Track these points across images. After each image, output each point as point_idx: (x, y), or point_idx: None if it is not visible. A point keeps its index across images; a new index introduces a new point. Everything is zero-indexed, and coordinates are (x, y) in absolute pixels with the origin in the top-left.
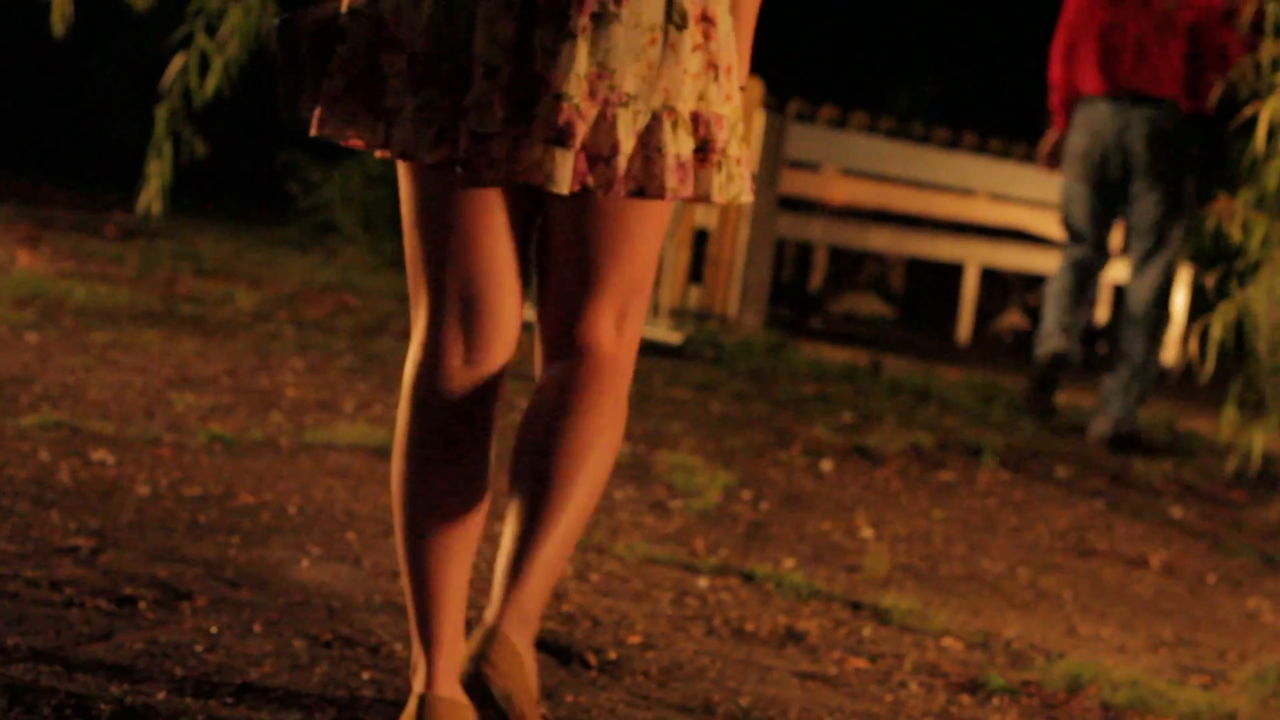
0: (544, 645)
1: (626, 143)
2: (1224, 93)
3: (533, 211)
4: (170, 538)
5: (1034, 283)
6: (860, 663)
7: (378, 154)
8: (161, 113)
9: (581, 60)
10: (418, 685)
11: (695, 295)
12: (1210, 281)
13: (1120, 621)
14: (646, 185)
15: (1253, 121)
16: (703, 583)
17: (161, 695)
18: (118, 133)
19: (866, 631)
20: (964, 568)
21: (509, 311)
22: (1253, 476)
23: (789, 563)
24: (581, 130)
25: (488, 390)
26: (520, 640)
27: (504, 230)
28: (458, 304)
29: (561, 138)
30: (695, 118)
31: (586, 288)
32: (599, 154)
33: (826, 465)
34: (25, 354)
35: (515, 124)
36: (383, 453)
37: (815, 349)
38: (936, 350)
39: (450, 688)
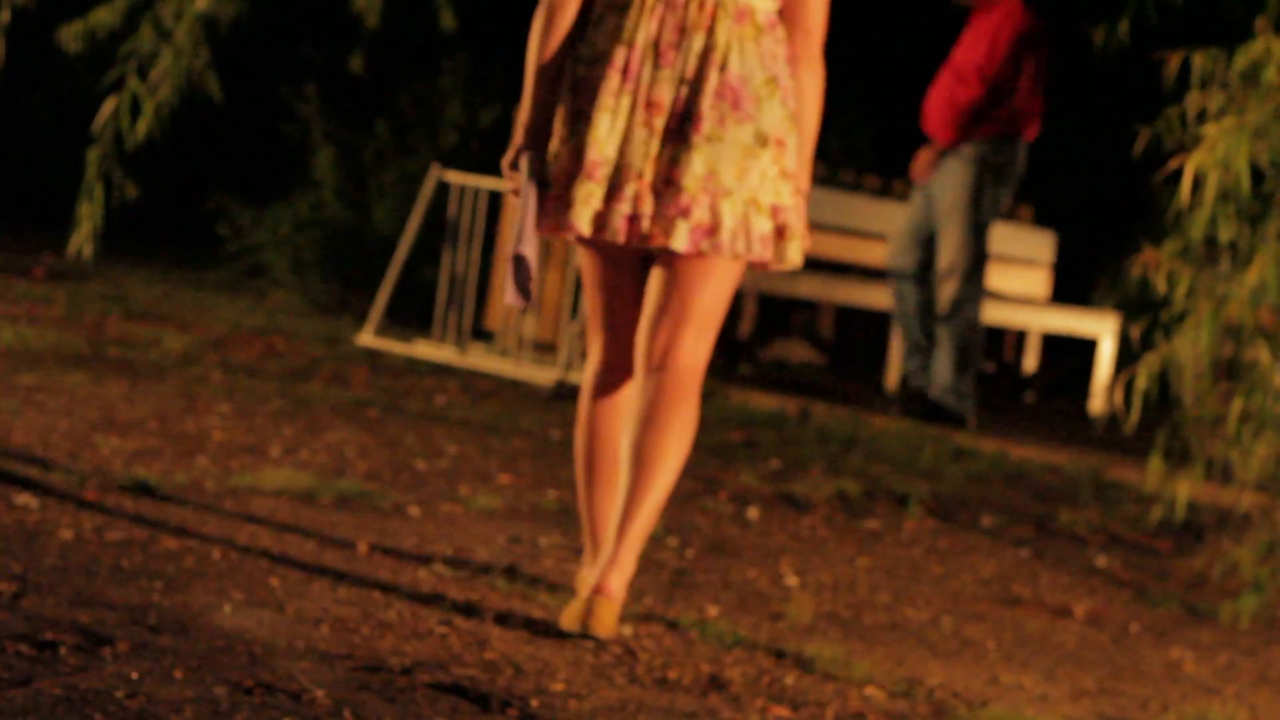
0: (465, 692)
1: (728, 221)
2: (1148, 144)
3: (645, 270)
4: (93, 583)
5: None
6: (783, 711)
7: (558, 235)
8: (93, 155)
9: (698, 165)
10: (588, 570)
11: None
12: (1136, 332)
13: (1043, 671)
14: (741, 251)
15: (1178, 173)
16: (626, 630)
17: None
18: (48, 174)
19: (790, 680)
20: (888, 616)
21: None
22: (1178, 526)
23: (713, 610)
24: (697, 212)
25: (625, 392)
26: (617, 588)
27: (634, 280)
28: (604, 325)
29: (683, 214)
30: (773, 209)
31: (680, 317)
32: (709, 228)
33: (753, 513)
34: None
35: (655, 208)
36: (308, 498)
37: (744, 396)
38: (866, 398)
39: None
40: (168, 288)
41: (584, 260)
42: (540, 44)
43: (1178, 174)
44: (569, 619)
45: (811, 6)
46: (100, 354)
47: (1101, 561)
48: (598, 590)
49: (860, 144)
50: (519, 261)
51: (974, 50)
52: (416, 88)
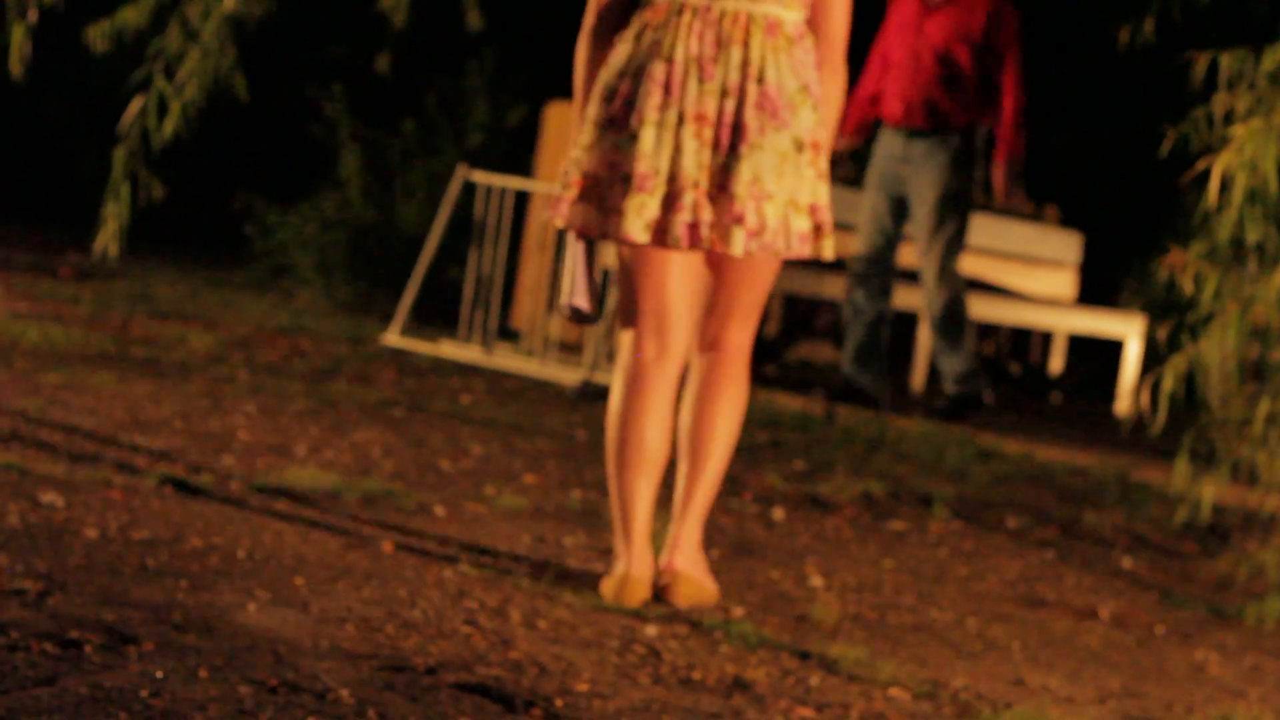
0: (489, 692)
1: (771, 222)
2: (1175, 145)
3: (702, 266)
4: (118, 581)
5: (988, 331)
6: (807, 712)
7: (605, 239)
8: (119, 155)
9: (744, 174)
10: (619, 568)
11: None
12: (1162, 334)
13: (1068, 673)
14: (782, 250)
15: (1205, 175)
16: (651, 631)
17: None
18: (75, 174)
19: (814, 681)
20: (913, 617)
21: (686, 330)
22: (1203, 528)
23: (738, 611)
24: (749, 218)
25: (668, 377)
26: (689, 565)
27: (691, 282)
28: (653, 324)
29: (738, 221)
30: (811, 208)
31: (728, 308)
32: (756, 230)
33: (778, 513)
34: None
35: (716, 215)
36: (333, 497)
37: (769, 396)
38: (889, 399)
39: (639, 570)
40: (193, 287)
41: (632, 264)
42: (585, 66)
43: (1205, 175)
44: (618, 594)
45: (835, 17)
46: (126, 353)
47: (1127, 563)
48: (667, 570)
49: None
50: (576, 312)
51: (957, 38)
52: (443, 87)
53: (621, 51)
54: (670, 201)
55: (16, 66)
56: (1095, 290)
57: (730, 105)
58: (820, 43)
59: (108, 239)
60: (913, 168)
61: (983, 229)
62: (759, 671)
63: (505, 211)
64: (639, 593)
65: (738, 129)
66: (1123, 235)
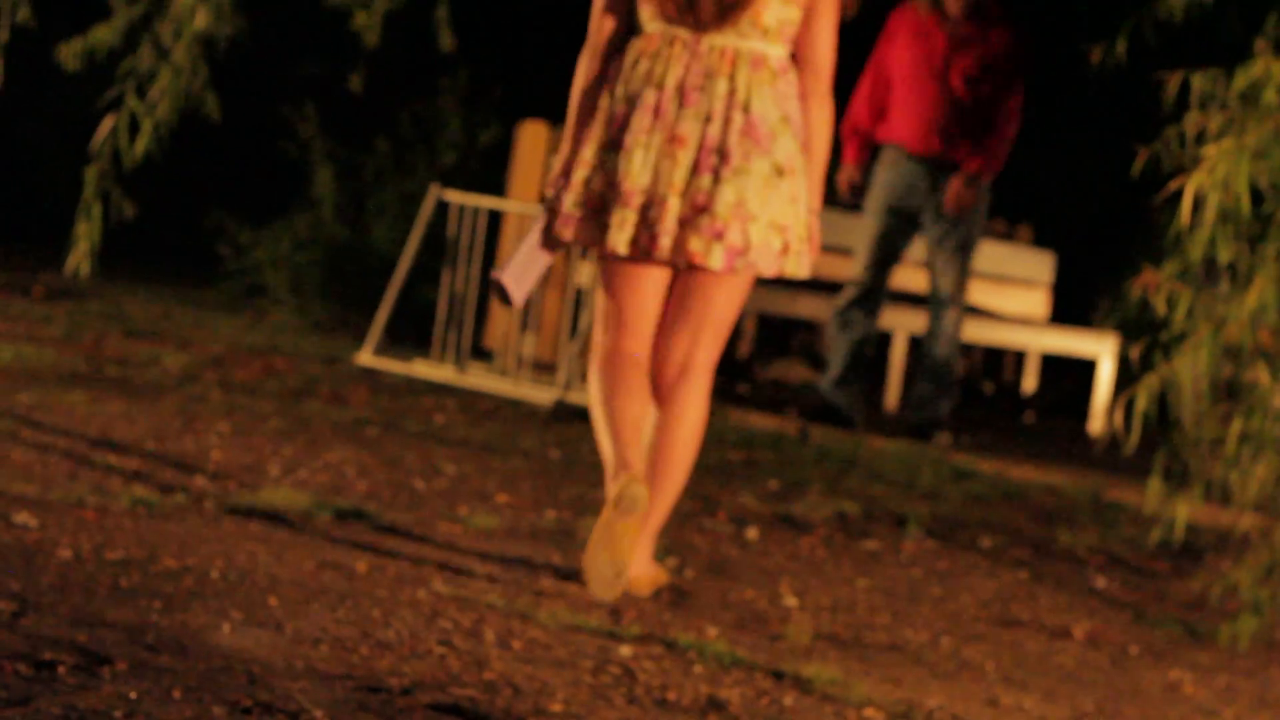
0: (464, 713)
1: (756, 241)
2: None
3: (669, 279)
4: (91, 602)
5: (963, 350)
6: None
7: (594, 250)
8: (91, 174)
9: (728, 196)
10: (614, 484)
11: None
12: (1135, 353)
13: (1043, 692)
14: (765, 268)
15: (1178, 194)
16: (625, 651)
17: None
18: (46, 193)
19: (788, 701)
20: (887, 637)
21: (648, 329)
22: (1176, 548)
23: (712, 631)
24: (730, 235)
25: (642, 360)
26: (644, 568)
27: (658, 291)
28: (631, 329)
29: (718, 237)
30: (781, 228)
31: (700, 326)
32: (740, 249)
33: (751, 533)
34: None
35: (689, 230)
36: (307, 517)
37: (743, 415)
38: (864, 419)
39: (638, 474)
40: (166, 306)
41: (607, 273)
42: (582, 88)
43: (1177, 195)
44: (598, 552)
45: (820, 49)
46: (99, 373)
47: (1100, 583)
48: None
49: None
50: (500, 288)
51: (982, 65)
52: (416, 107)
53: (619, 78)
54: (643, 214)
55: None
56: (1068, 310)
57: (714, 131)
58: (807, 74)
59: (79, 259)
60: (935, 195)
61: None
62: (733, 691)
63: (479, 231)
64: (639, 493)
65: (722, 154)
66: (1095, 255)
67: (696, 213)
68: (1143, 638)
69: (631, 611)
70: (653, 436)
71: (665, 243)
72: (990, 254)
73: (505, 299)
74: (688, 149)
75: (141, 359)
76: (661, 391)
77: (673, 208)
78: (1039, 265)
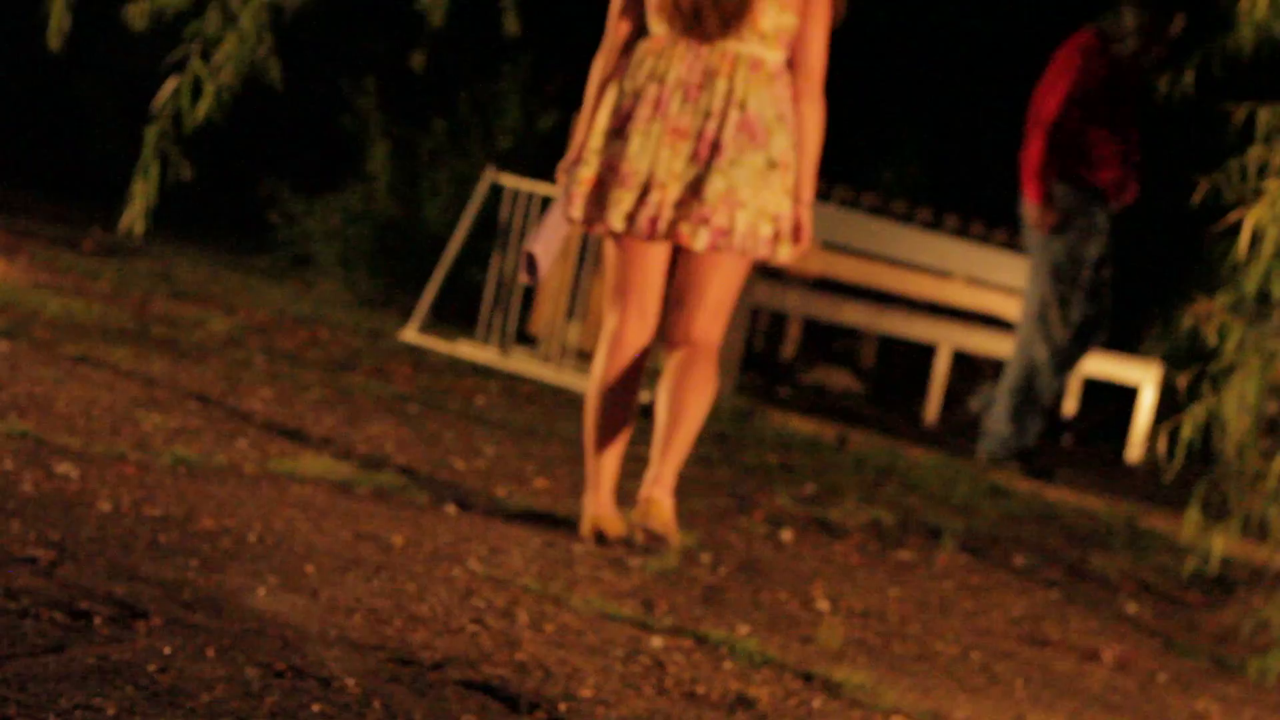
0: (494, 692)
1: (740, 227)
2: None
3: (672, 259)
4: (129, 556)
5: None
6: None
7: (597, 229)
8: (151, 133)
9: (718, 185)
10: (589, 509)
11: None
12: (1183, 382)
13: (1069, 713)
14: (748, 250)
15: (1236, 226)
16: (656, 642)
17: (111, 711)
18: (104, 150)
19: (816, 703)
20: (917, 647)
21: (654, 304)
22: (1208, 579)
23: (743, 629)
24: (716, 219)
25: (641, 350)
26: (663, 495)
27: (658, 267)
28: (628, 299)
29: (704, 221)
30: (775, 217)
31: (698, 302)
32: (724, 231)
33: (786, 535)
34: None
35: (680, 214)
36: (346, 488)
37: (783, 418)
38: (903, 429)
39: (605, 509)
40: (215, 270)
41: (613, 249)
42: (597, 81)
43: (1235, 227)
44: (596, 525)
45: (813, 52)
46: (145, 331)
47: (1131, 608)
48: (647, 497)
49: (914, 176)
50: (530, 258)
51: (1123, 102)
52: (476, 89)
53: (628, 74)
54: (642, 197)
55: (54, 40)
56: (1113, 335)
57: (712, 126)
58: (801, 76)
59: (134, 217)
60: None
61: (1009, 268)
62: (762, 690)
63: (531, 216)
64: (611, 527)
65: (717, 147)
66: (1146, 283)
67: (689, 199)
68: (1171, 666)
69: (664, 604)
70: (665, 400)
71: (660, 225)
72: None
73: (532, 272)
74: (686, 140)
75: (188, 320)
76: (667, 364)
77: (670, 193)
78: None
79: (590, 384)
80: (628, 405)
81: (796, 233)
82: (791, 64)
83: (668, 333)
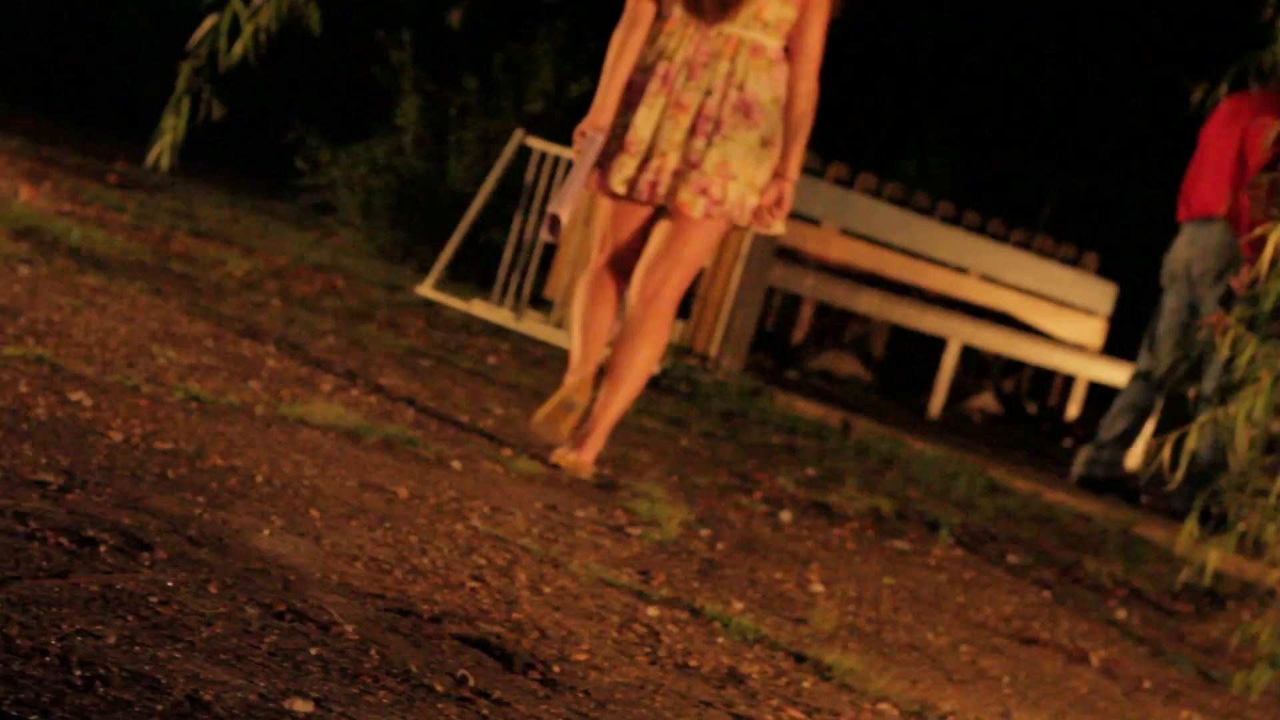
0: (490, 648)
1: (731, 197)
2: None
3: (653, 219)
4: (137, 487)
5: (1013, 367)
6: (797, 713)
7: (599, 190)
8: (185, 69)
9: (714, 157)
10: (572, 378)
11: (679, 330)
12: (1192, 393)
13: (1054, 713)
14: (737, 218)
15: (1260, 241)
16: (652, 611)
17: (111, 639)
18: (136, 83)
19: (806, 684)
20: (908, 636)
21: (631, 258)
22: (1199, 591)
23: (738, 605)
24: (712, 190)
25: (616, 284)
26: (586, 456)
27: (640, 225)
28: (610, 250)
29: (703, 192)
30: (762, 190)
31: (674, 262)
32: (717, 200)
33: (785, 516)
34: (15, 285)
35: (679, 181)
36: (354, 437)
37: (789, 400)
38: (907, 420)
39: (583, 379)
40: (236, 211)
41: (606, 205)
42: (615, 54)
43: (1260, 241)
44: (544, 424)
45: (811, 39)
46: (164, 266)
47: (1121, 614)
48: (577, 453)
49: (936, 170)
50: (554, 219)
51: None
52: (510, 50)
53: (643, 52)
54: (643, 164)
55: None
56: (1122, 342)
57: (712, 103)
58: (799, 58)
59: (162, 150)
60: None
61: (1021, 267)
62: (754, 667)
63: (556, 180)
64: (585, 392)
65: (716, 122)
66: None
67: (688, 169)
68: (1158, 674)
69: (661, 575)
70: (615, 351)
71: (660, 190)
72: (1053, 278)
73: (554, 232)
74: (688, 114)
75: (207, 259)
76: (629, 313)
77: (670, 161)
78: (1100, 295)
79: (575, 300)
80: (606, 319)
81: (776, 205)
82: (790, 49)
83: (639, 285)
